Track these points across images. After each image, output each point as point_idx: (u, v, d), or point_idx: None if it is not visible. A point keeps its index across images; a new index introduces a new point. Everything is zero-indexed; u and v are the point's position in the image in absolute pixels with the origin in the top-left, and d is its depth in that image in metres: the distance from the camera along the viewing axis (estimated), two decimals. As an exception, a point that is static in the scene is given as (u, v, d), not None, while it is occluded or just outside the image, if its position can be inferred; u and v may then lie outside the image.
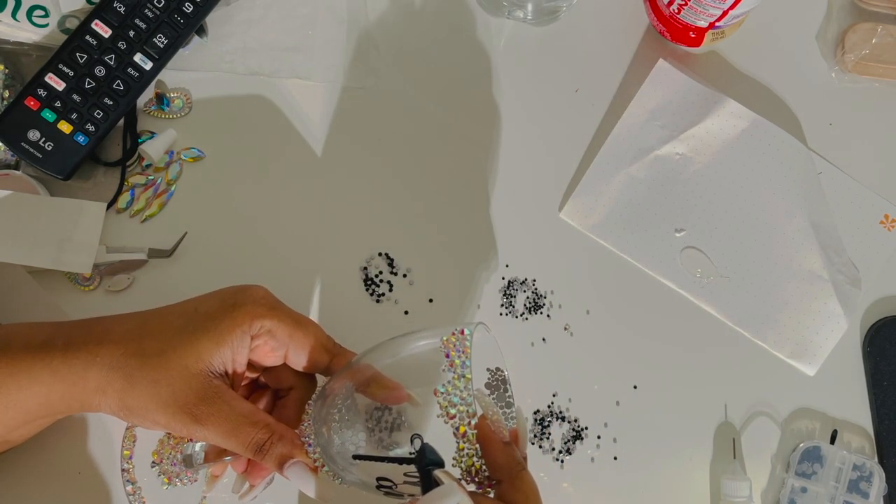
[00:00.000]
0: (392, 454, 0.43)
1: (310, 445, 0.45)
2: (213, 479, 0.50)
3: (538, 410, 0.60)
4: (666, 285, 0.62)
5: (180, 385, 0.44)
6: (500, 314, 0.61)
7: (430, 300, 0.60)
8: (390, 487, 0.43)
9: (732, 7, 0.57)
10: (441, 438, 0.41)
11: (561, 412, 0.60)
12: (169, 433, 0.49)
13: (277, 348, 0.48)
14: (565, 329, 0.61)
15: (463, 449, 0.41)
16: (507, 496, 0.41)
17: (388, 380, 0.44)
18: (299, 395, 0.49)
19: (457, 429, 0.41)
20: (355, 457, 0.43)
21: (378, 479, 0.43)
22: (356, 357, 0.46)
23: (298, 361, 0.49)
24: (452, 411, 0.41)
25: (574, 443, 0.60)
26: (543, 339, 0.61)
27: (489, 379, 0.48)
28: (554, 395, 0.60)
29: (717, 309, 0.62)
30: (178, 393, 0.44)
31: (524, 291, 0.61)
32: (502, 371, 0.47)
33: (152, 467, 0.49)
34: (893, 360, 0.62)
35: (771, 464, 0.61)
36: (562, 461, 0.59)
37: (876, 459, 0.61)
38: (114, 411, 0.45)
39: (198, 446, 0.49)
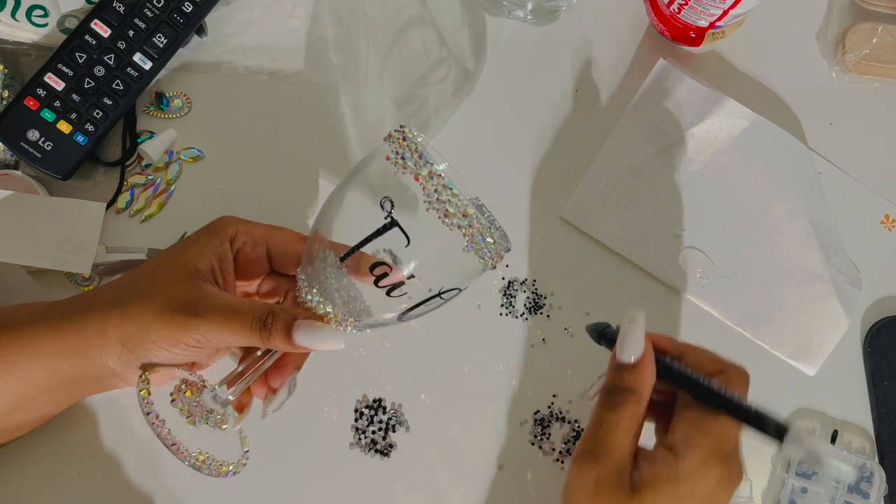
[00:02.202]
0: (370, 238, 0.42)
1: (308, 301, 0.45)
2: (240, 415, 0.50)
3: (538, 411, 0.60)
4: (666, 285, 0.62)
5: (172, 292, 0.45)
6: (501, 314, 0.60)
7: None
8: (386, 275, 0.42)
9: (733, 7, 0.57)
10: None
11: (561, 413, 0.60)
12: (182, 381, 0.48)
13: (258, 247, 0.50)
14: (565, 330, 0.61)
15: (429, 189, 0.40)
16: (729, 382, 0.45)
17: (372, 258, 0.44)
18: (295, 296, 0.49)
19: (417, 174, 0.40)
20: (342, 258, 0.43)
21: (389, 291, 0.42)
22: (321, 210, 0.46)
23: (283, 258, 0.50)
24: (410, 163, 0.41)
25: (575, 444, 0.60)
26: (543, 340, 0.61)
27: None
28: (554, 396, 0.60)
29: (717, 309, 0.62)
30: (172, 299, 0.45)
31: (524, 292, 0.61)
32: (476, 199, 0.47)
33: (172, 405, 0.47)
34: (894, 360, 0.62)
35: (771, 464, 0.61)
36: (562, 462, 0.59)
37: (876, 460, 0.61)
38: (118, 354, 0.45)
39: (215, 387, 0.48)
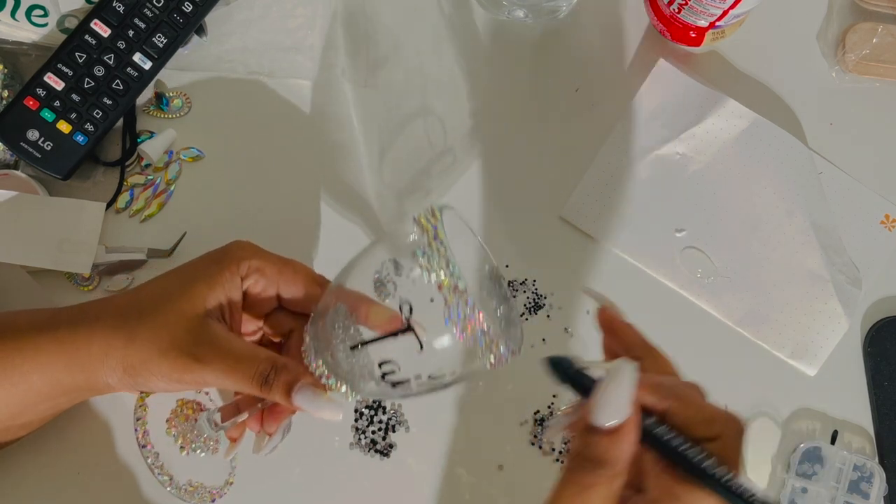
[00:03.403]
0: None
1: (312, 363, 0.45)
2: (233, 444, 0.50)
3: (538, 411, 0.60)
4: (666, 285, 0.62)
5: (178, 330, 0.45)
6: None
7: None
8: (394, 372, 0.42)
9: (733, 7, 0.57)
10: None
11: (561, 412, 0.60)
12: (181, 403, 0.49)
13: (268, 286, 0.49)
14: (566, 330, 0.61)
15: (451, 303, 0.40)
16: (656, 368, 0.39)
17: (386, 309, 0.43)
18: (300, 335, 0.49)
19: (440, 283, 0.40)
20: (352, 347, 0.43)
21: (380, 364, 0.42)
22: (341, 270, 0.46)
23: (293, 299, 0.49)
24: (438, 270, 0.40)
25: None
26: (543, 340, 0.61)
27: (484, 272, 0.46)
28: (554, 396, 0.60)
29: (717, 309, 0.62)
30: (178, 338, 0.44)
31: (524, 292, 0.61)
32: (493, 264, 0.46)
33: (168, 433, 0.48)
34: (894, 360, 0.62)
35: (771, 464, 0.61)
36: (562, 462, 0.59)
37: (876, 460, 0.61)
38: (119, 376, 0.45)
39: (212, 412, 0.48)
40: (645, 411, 0.37)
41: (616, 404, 0.36)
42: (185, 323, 0.45)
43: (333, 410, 0.45)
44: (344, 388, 0.45)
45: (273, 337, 0.52)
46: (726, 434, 0.36)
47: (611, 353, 0.41)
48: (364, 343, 0.42)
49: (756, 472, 0.60)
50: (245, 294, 0.49)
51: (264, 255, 0.49)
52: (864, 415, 0.62)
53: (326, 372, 0.44)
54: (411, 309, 0.41)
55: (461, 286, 0.40)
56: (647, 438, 0.37)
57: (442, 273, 0.40)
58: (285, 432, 0.50)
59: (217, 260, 0.48)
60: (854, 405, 0.62)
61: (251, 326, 0.51)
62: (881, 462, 0.61)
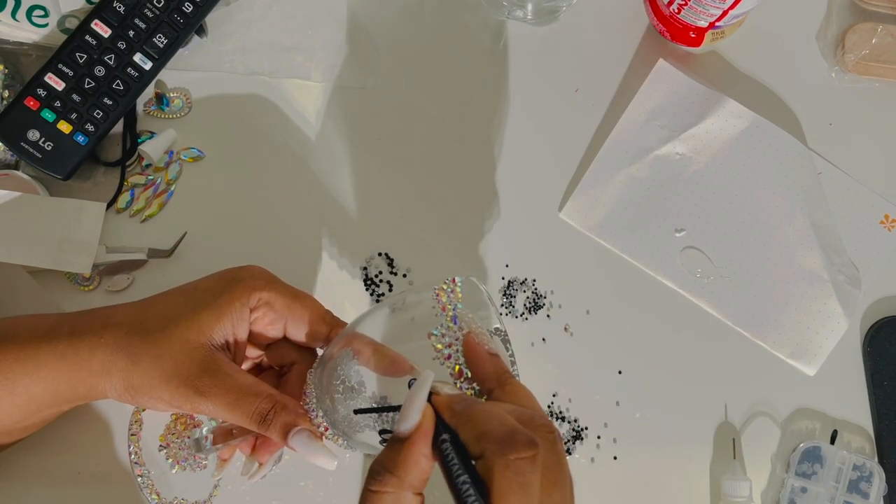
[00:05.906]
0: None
1: (312, 411, 0.45)
2: (223, 464, 0.51)
3: (538, 410, 0.60)
4: (666, 285, 0.62)
5: (182, 358, 0.44)
6: (501, 314, 0.60)
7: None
8: None
9: (732, 7, 0.57)
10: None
11: (561, 412, 0.60)
12: (175, 417, 0.49)
13: (276, 320, 0.48)
14: (565, 329, 0.61)
15: (460, 389, 0.41)
16: (500, 401, 0.39)
17: (390, 351, 0.43)
18: (302, 369, 0.49)
19: (453, 369, 0.41)
20: (356, 411, 0.42)
21: (381, 432, 0.42)
22: (352, 321, 0.46)
23: (298, 333, 0.49)
24: (447, 352, 0.41)
25: (574, 443, 0.60)
26: (543, 339, 0.61)
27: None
28: (554, 396, 0.60)
29: (717, 309, 0.62)
30: (181, 366, 0.44)
31: (524, 291, 0.61)
32: (502, 330, 0.46)
33: (160, 450, 0.49)
34: (893, 360, 0.62)
35: (771, 464, 0.61)
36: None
37: (876, 459, 0.61)
38: (119, 393, 0.45)
39: (205, 429, 0.49)
40: (448, 430, 0.37)
41: (407, 411, 0.37)
42: (190, 352, 0.45)
43: (328, 458, 0.44)
44: (341, 442, 0.45)
45: (273, 366, 0.52)
46: (488, 453, 0.35)
47: (474, 379, 0.42)
48: (364, 411, 0.42)
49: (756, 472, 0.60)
50: (252, 322, 0.48)
51: (275, 287, 0.48)
52: (864, 414, 0.62)
53: (325, 424, 0.44)
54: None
55: (468, 375, 0.41)
56: (441, 455, 0.37)
57: (453, 359, 0.41)
58: (276, 462, 0.50)
59: (228, 287, 0.47)
60: (853, 405, 0.62)
61: (252, 352, 0.51)
62: (881, 462, 0.61)
